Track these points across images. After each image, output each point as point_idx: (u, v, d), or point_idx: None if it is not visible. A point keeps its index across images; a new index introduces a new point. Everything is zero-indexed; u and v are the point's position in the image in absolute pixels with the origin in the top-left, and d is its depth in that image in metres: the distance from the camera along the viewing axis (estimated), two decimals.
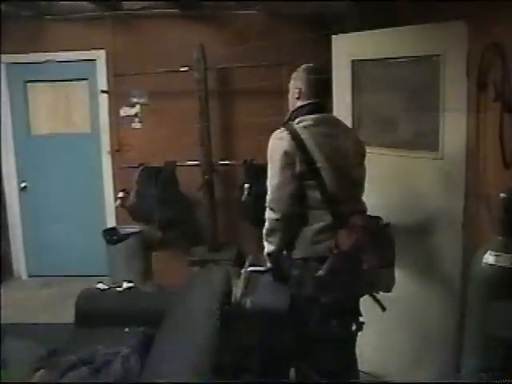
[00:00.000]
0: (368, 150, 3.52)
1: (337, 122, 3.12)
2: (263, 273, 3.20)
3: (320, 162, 2.86)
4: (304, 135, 2.89)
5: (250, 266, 3.52)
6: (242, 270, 3.54)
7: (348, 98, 3.81)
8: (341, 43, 3.83)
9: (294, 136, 2.89)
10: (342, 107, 3.82)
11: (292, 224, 2.94)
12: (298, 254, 2.94)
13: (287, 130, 2.93)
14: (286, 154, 2.86)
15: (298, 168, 2.85)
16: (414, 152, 3.50)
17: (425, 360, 3.57)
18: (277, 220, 2.92)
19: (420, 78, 3.51)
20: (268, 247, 3.02)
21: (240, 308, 3.09)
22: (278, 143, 2.92)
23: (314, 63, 3.23)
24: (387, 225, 2.96)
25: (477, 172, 3.03)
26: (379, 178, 3.67)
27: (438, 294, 3.43)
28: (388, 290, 2.95)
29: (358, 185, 3.07)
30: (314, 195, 2.88)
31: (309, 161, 2.85)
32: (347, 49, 3.79)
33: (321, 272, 2.76)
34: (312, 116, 3.00)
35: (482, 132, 2.97)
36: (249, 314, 3.06)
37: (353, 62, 3.76)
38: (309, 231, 2.91)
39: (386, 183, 3.65)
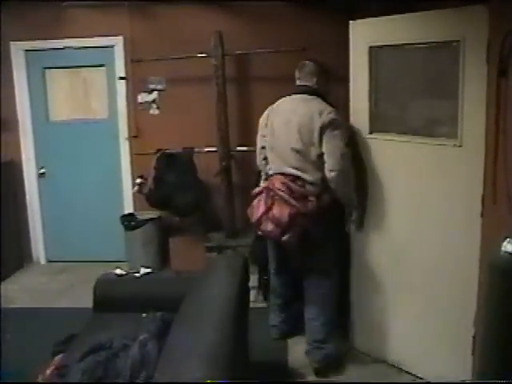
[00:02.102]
0: (386, 136, 3.66)
1: (304, 102, 3.78)
2: None
3: (269, 130, 3.89)
4: (274, 108, 3.95)
5: None
6: None
7: (365, 85, 3.77)
8: (358, 29, 3.79)
9: (270, 108, 3.98)
10: (359, 94, 3.82)
11: (263, 170, 4.08)
12: None
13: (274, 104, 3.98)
14: (261, 120, 4.03)
15: (261, 131, 4.01)
16: (433, 139, 3.46)
17: (440, 350, 3.56)
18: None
19: (439, 64, 3.47)
20: None
21: None
22: None
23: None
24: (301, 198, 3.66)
25: (496, 159, 3.00)
26: (396, 164, 3.67)
27: (455, 283, 3.41)
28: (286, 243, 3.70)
29: (297, 153, 3.69)
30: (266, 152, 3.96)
31: (267, 127, 3.92)
32: (365, 35, 3.74)
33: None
34: (290, 96, 3.89)
35: (502, 119, 2.94)
36: None
37: (371, 48, 3.71)
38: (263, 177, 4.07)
39: (404, 170, 3.64)
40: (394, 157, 3.68)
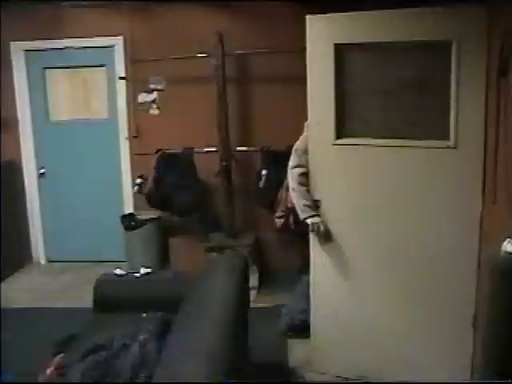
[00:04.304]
0: (356, 141, 3.55)
1: None
2: None
3: None
4: None
5: None
6: None
7: (330, 86, 3.50)
8: (319, 25, 3.49)
9: None
10: (320, 96, 3.56)
11: None
12: None
13: None
14: None
15: None
16: (420, 142, 3.36)
17: (440, 350, 3.55)
18: None
19: (425, 65, 3.36)
20: None
21: None
22: None
23: None
24: None
25: (496, 159, 2.99)
26: (391, 169, 3.57)
27: (455, 284, 3.40)
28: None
29: None
30: None
31: None
32: (328, 32, 3.46)
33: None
34: None
35: (503, 119, 2.93)
36: None
37: (336, 45, 3.43)
38: None
39: (398, 174, 3.53)
40: (387, 161, 3.56)
